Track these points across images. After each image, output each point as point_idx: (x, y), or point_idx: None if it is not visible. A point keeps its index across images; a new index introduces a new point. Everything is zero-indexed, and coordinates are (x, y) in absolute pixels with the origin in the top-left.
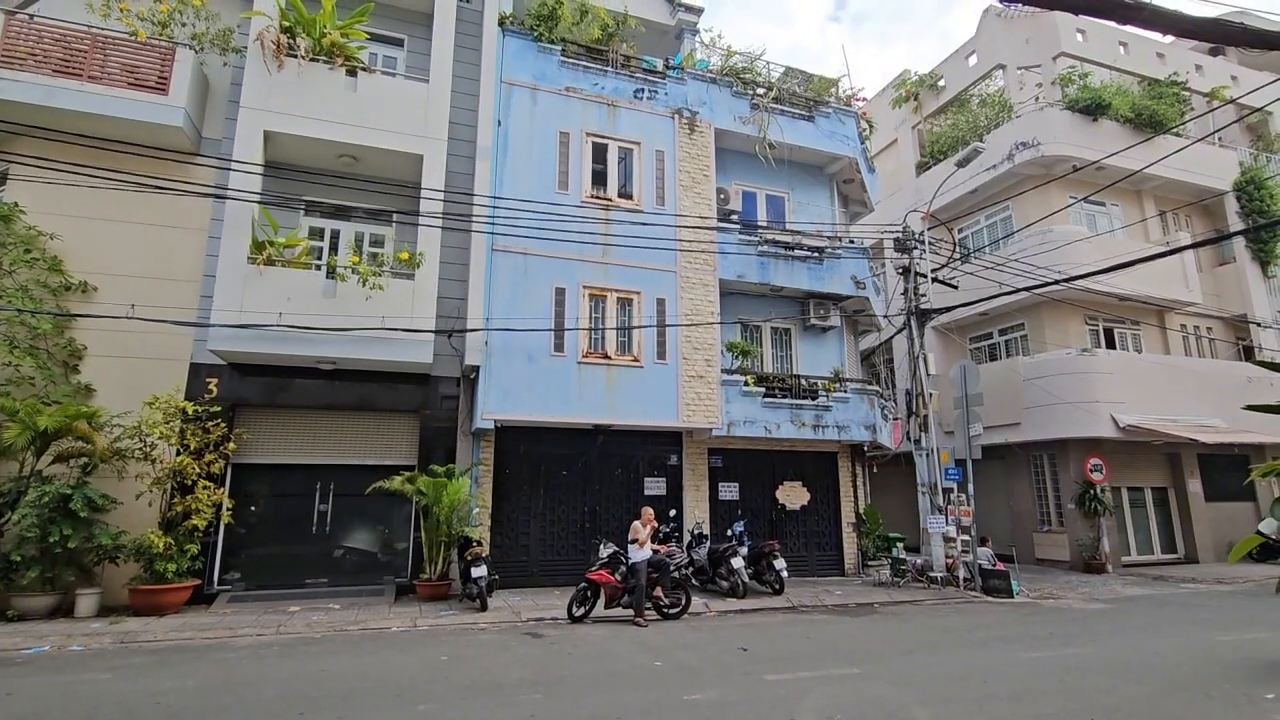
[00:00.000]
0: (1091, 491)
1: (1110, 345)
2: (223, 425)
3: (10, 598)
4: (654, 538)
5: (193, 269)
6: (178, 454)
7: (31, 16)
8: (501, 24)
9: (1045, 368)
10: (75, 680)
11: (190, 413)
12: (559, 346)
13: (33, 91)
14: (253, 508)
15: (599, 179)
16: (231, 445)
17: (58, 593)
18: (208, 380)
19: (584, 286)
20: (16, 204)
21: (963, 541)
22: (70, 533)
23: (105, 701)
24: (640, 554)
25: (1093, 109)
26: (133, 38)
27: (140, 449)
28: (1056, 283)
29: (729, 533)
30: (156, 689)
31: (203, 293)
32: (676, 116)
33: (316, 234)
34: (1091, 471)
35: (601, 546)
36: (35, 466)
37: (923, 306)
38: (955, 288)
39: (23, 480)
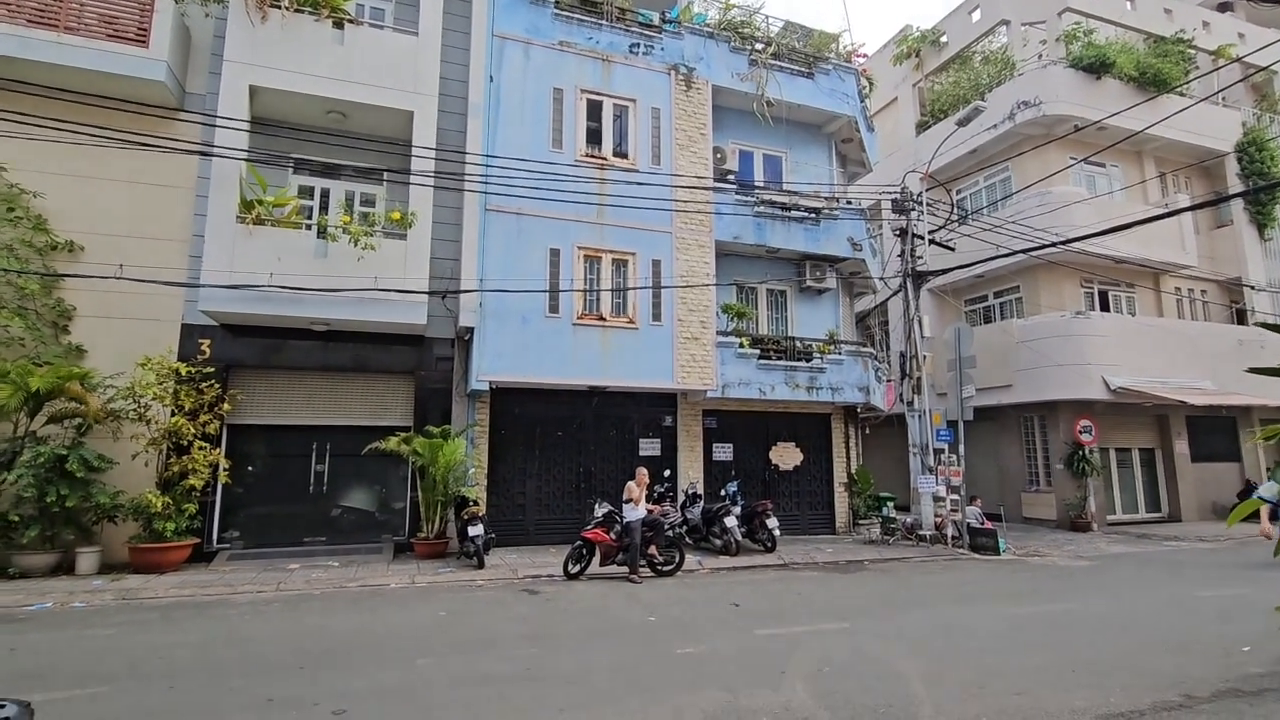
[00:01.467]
0: (1080, 452)
1: (1104, 308)
2: (216, 386)
3: (10, 556)
4: (648, 497)
5: (181, 228)
6: (172, 415)
7: None
8: None
9: (1039, 330)
10: (79, 635)
11: (183, 374)
12: (554, 308)
13: (7, 43)
14: (250, 468)
15: (594, 137)
16: (226, 406)
17: (58, 551)
18: (200, 341)
19: (579, 247)
20: None
21: (952, 501)
22: (67, 492)
23: (109, 656)
24: (635, 513)
25: (1096, 67)
26: None
27: (134, 410)
28: (1053, 245)
29: (723, 492)
30: (160, 643)
31: (192, 252)
32: (673, 73)
33: (306, 193)
34: (1081, 433)
35: (597, 506)
36: (29, 427)
37: (919, 269)
38: (952, 250)
39: (17, 441)
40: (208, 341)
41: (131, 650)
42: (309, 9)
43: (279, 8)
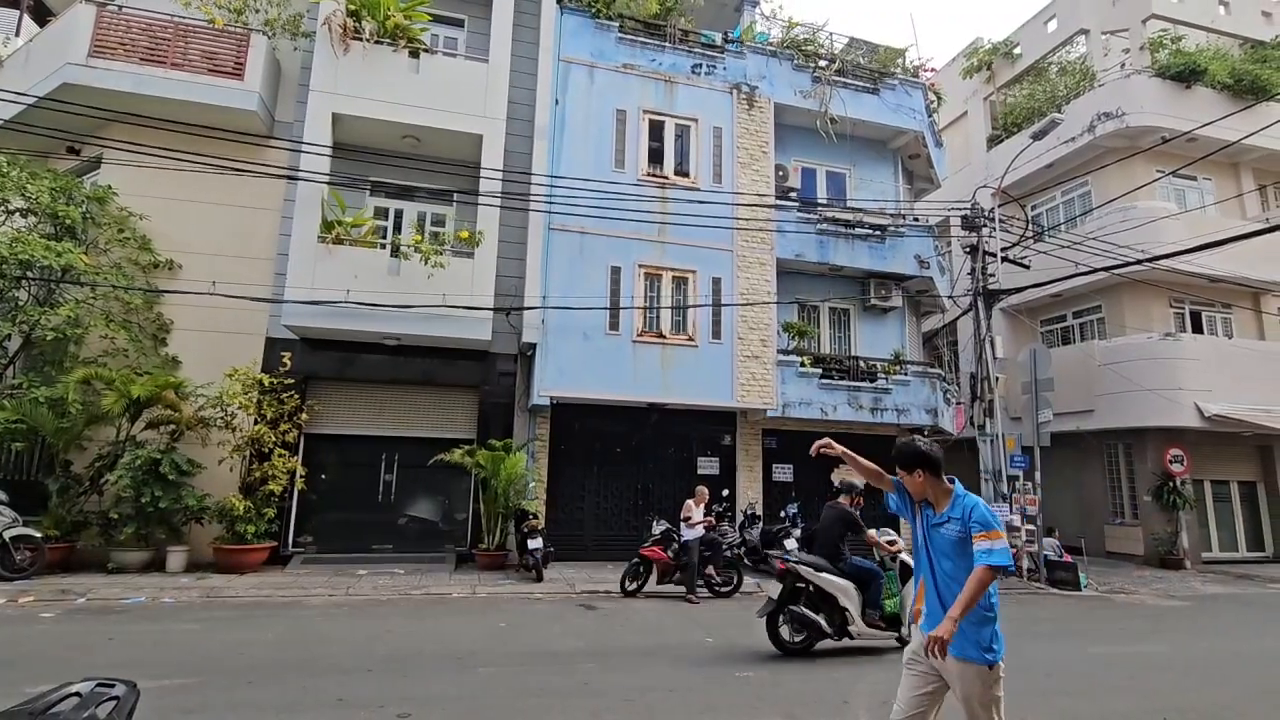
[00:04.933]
0: (1170, 484)
1: (1197, 329)
2: (296, 397)
3: (110, 552)
4: (706, 516)
5: (267, 247)
6: (255, 423)
7: (120, 8)
8: (559, 1)
9: (1123, 352)
10: (168, 629)
11: (266, 384)
12: (614, 325)
13: (124, 80)
14: (323, 476)
15: (655, 157)
16: (304, 416)
17: (151, 549)
18: (282, 354)
19: (639, 265)
20: (110, 187)
21: (1028, 531)
22: (160, 494)
23: (195, 650)
24: (693, 532)
25: (1186, 75)
26: (211, 25)
27: (221, 418)
28: (1139, 262)
29: (783, 514)
30: (240, 640)
31: (277, 270)
32: (735, 92)
33: (381, 214)
34: (1171, 463)
35: (654, 523)
36: (130, 432)
37: (991, 287)
38: (1027, 268)
39: (119, 444)
40: (289, 354)
41: (215, 646)
42: (388, 40)
43: (360, 40)
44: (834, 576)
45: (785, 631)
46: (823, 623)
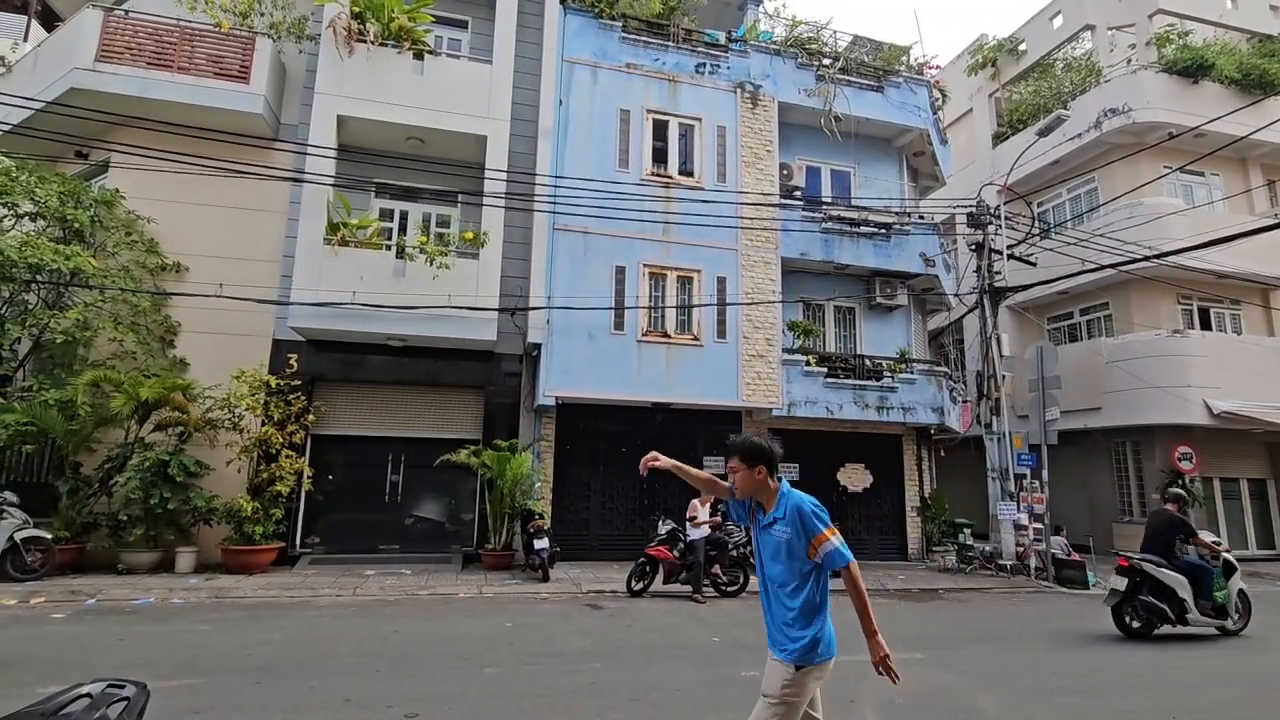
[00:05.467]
0: (1179, 482)
1: (1206, 326)
2: (302, 398)
3: (120, 553)
4: (712, 516)
5: (273, 249)
6: (263, 424)
7: (127, 12)
8: (563, 1)
9: (1131, 349)
10: (177, 630)
11: (273, 386)
12: (619, 325)
13: (130, 84)
14: (330, 476)
15: (659, 156)
16: (311, 417)
17: (160, 549)
18: (289, 355)
19: (644, 265)
20: (118, 190)
21: (1035, 530)
22: (169, 495)
23: (203, 651)
24: (698, 532)
25: (1193, 70)
26: (216, 29)
27: (229, 419)
28: (1146, 259)
29: None
30: (249, 641)
31: (283, 272)
32: (739, 91)
33: (386, 215)
34: (1180, 460)
35: (660, 523)
36: (138, 434)
37: (997, 285)
38: (1033, 265)
39: (128, 446)
40: (295, 356)
41: (223, 646)
42: (392, 42)
43: (365, 42)
44: (1172, 571)
45: (1128, 619)
46: (1168, 610)
